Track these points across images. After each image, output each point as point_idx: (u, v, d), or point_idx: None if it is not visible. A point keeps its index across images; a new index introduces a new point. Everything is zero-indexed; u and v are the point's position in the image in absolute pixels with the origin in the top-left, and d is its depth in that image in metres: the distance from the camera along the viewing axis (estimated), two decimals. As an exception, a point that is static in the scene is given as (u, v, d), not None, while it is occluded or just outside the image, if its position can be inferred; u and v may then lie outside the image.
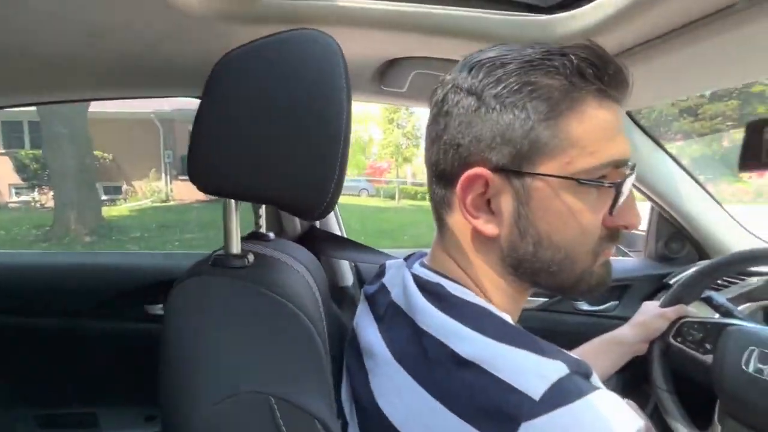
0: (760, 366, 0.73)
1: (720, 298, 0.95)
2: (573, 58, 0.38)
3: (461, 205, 0.41)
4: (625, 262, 1.34)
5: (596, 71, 0.38)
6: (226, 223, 0.45)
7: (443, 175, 0.43)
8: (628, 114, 0.95)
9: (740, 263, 0.91)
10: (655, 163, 1.07)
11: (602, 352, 0.86)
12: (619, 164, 0.40)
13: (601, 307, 1.25)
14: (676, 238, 1.24)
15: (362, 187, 14.73)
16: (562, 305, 1.23)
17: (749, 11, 0.44)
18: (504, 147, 0.39)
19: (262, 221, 0.62)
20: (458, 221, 0.44)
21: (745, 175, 18.21)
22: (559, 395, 0.32)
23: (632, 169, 0.41)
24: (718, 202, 1.18)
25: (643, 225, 1.35)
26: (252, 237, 0.59)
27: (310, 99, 0.39)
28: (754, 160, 0.55)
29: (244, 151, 0.40)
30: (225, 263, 0.44)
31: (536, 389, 0.32)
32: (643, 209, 1.35)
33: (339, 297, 1.14)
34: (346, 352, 0.53)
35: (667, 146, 1.06)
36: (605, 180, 0.39)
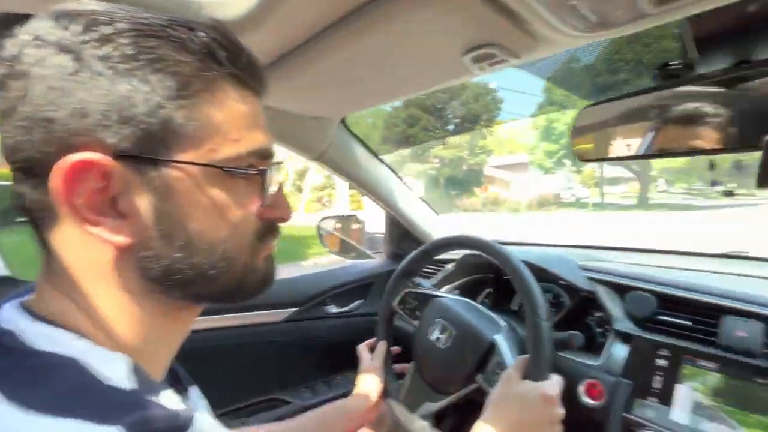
0: (439, 335, 0.88)
1: (426, 283, 1.15)
2: (202, 35, 0.33)
3: (69, 209, 0.30)
4: (367, 263, 1.49)
5: (230, 56, 0.34)
6: None
7: (30, 166, 0.31)
8: (345, 126, 1.04)
9: (434, 251, 1.08)
10: (376, 174, 1.21)
11: (329, 424, 0.82)
12: (264, 154, 0.37)
13: (349, 308, 1.34)
14: (405, 238, 1.45)
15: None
16: (311, 312, 1.25)
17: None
18: (125, 126, 0.30)
19: None
20: (67, 234, 0.32)
21: (477, 191, 24.42)
22: None
23: (277, 162, 0.40)
24: (433, 209, 1.45)
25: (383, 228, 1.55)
26: None
27: None
28: None
29: None
30: None
31: None
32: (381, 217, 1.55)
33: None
34: None
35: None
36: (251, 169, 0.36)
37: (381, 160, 1.20)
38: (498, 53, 0.53)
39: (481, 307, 0.94)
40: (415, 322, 0.98)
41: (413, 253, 1.04)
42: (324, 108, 0.85)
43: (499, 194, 22.70)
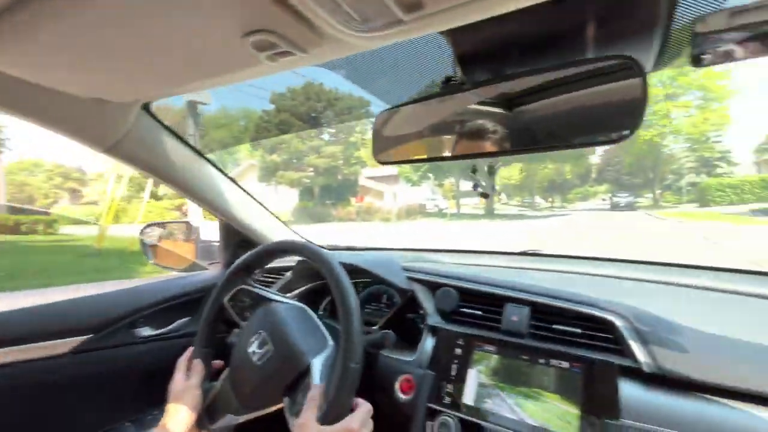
0: (256, 349, 0.80)
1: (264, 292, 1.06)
2: None
3: None
4: (199, 275, 1.32)
5: None
6: None
7: None
8: (151, 116, 0.89)
9: (273, 254, 0.99)
10: (200, 174, 1.08)
11: None
12: None
13: (169, 328, 1.16)
14: (243, 245, 1.34)
15: None
16: (113, 338, 1.04)
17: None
18: None
19: None
20: None
21: (353, 200, 25.06)
22: None
23: None
24: (272, 213, 1.37)
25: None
26: None
27: None
28: None
29: None
30: None
31: None
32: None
33: None
34: None
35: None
36: None
37: (207, 159, 1.08)
38: (281, 44, 0.50)
39: (315, 318, 0.89)
40: (244, 323, 0.89)
41: (254, 250, 0.94)
42: (109, 90, 0.71)
43: (373, 204, 23.81)
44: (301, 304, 0.95)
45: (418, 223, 19.49)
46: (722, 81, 23.40)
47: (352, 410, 0.66)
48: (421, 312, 0.98)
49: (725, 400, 0.59)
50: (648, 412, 0.60)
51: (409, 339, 0.95)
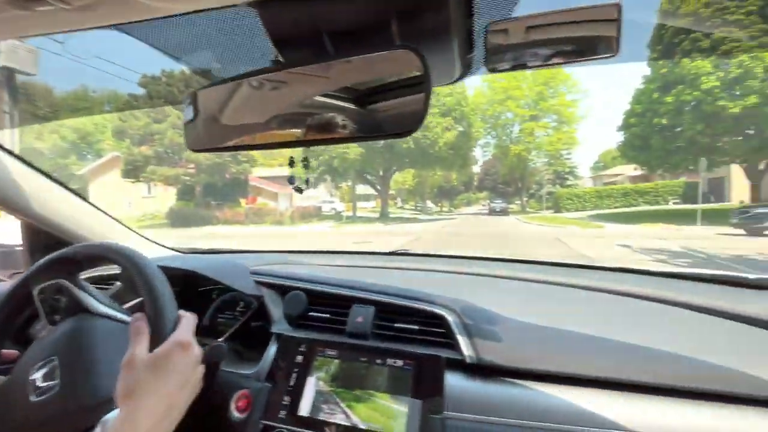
0: (39, 380, 0.62)
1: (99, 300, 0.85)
2: None
3: None
4: (-13, 289, 1.04)
5: None
6: None
7: None
8: None
9: (87, 261, 0.80)
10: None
11: None
12: None
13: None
14: (56, 248, 1.08)
15: None
16: None
17: None
18: None
19: None
20: None
21: (243, 201, 23.42)
22: None
23: None
24: (98, 207, 1.14)
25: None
26: None
27: None
28: None
29: None
30: None
31: None
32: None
33: None
34: None
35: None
36: None
37: (19, 157, 0.83)
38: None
39: None
40: (52, 327, 0.69)
41: (88, 244, 0.74)
42: None
43: (267, 206, 22.61)
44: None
45: (313, 226, 19.17)
46: (571, 108, 28.51)
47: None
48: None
49: (535, 384, 0.63)
50: (470, 402, 0.63)
51: (260, 349, 0.86)
